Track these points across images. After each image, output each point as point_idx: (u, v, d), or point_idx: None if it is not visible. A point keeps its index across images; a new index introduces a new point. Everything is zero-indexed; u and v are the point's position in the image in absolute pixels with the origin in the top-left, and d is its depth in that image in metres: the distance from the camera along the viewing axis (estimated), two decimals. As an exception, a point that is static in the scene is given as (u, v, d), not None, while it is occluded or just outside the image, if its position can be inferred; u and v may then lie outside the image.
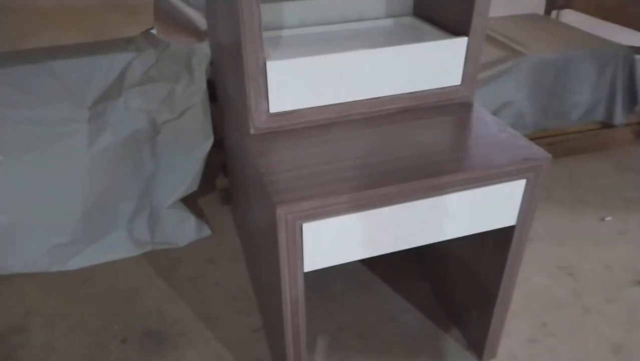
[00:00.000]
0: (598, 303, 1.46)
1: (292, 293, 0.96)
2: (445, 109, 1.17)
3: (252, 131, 1.06)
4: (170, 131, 1.59)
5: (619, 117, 2.14)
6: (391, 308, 1.45)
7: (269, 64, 1.00)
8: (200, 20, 1.67)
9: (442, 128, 1.09)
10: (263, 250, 1.13)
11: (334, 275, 1.56)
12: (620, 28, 2.27)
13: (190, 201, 1.76)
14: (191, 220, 1.71)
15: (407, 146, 1.02)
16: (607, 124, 2.17)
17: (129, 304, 1.47)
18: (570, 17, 2.56)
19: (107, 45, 1.41)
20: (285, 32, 1.27)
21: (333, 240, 0.93)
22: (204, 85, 1.55)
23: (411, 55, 1.09)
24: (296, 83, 1.04)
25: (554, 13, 2.63)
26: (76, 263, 1.59)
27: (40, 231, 1.51)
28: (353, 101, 1.11)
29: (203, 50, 1.52)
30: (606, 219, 1.80)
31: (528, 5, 2.55)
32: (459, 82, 1.17)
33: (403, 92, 1.14)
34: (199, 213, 1.79)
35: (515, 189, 1.01)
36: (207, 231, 1.74)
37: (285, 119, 1.08)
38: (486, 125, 1.10)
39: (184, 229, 1.70)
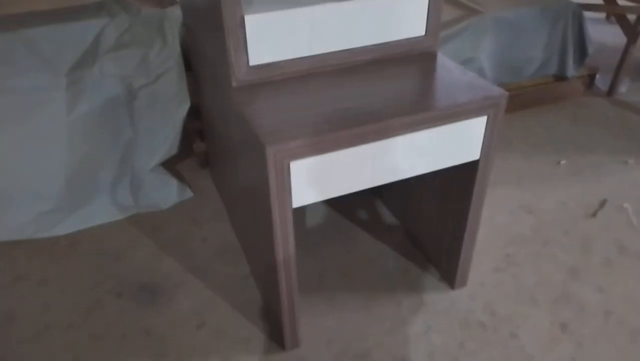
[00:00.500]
0: (556, 235, 1.61)
1: (283, 230, 1.04)
2: (412, 58, 1.26)
3: (234, 84, 1.12)
4: (147, 96, 1.62)
5: (571, 70, 2.29)
6: (370, 251, 1.56)
7: (247, 17, 1.06)
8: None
9: (410, 75, 1.18)
10: (250, 198, 1.20)
11: (314, 226, 1.66)
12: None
13: (169, 167, 1.81)
14: (173, 183, 1.76)
15: (379, 92, 1.11)
16: (559, 77, 2.31)
17: (118, 263, 1.53)
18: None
19: (80, 12, 1.43)
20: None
21: (317, 177, 1.01)
22: (177, 49, 1.58)
23: (378, 8, 1.17)
24: (273, 36, 1.10)
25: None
26: (61, 229, 1.62)
27: (25, 199, 1.54)
28: (326, 53, 1.19)
29: (174, 14, 1.56)
30: (561, 163, 1.95)
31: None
32: (423, 33, 1.26)
33: (372, 43, 1.22)
34: (179, 177, 1.84)
35: (478, 125, 1.11)
36: (189, 193, 1.80)
37: (264, 71, 1.14)
38: (449, 71, 1.20)
39: (167, 192, 1.76)
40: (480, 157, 1.17)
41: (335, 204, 1.75)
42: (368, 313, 1.36)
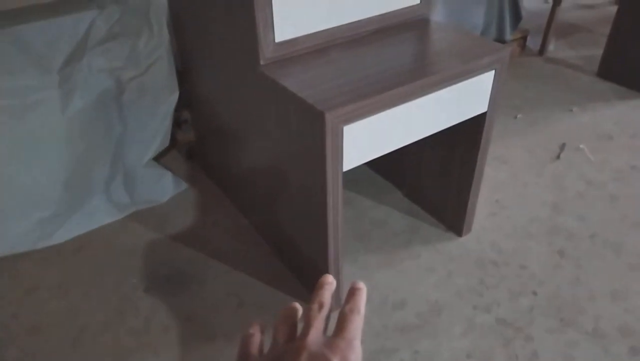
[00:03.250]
0: (531, 178, 1.80)
1: (334, 194, 1.10)
2: (411, 25, 1.36)
3: (262, 62, 1.16)
4: (135, 88, 1.59)
5: (508, 34, 2.51)
6: (377, 215, 1.66)
7: (274, -6, 1.10)
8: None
9: (418, 40, 1.28)
10: (289, 171, 1.25)
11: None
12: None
13: (156, 160, 1.78)
14: (168, 176, 1.74)
15: (396, 58, 1.19)
16: (499, 41, 2.53)
17: (135, 258, 1.50)
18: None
19: (69, 5, 1.37)
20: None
21: (363, 140, 1.09)
22: (166, 37, 1.56)
23: (382, -20, 1.25)
24: (296, 11, 1.15)
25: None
26: (61, 235, 1.56)
27: (23, 207, 1.46)
28: (337, 26, 1.25)
29: (160, 1, 1.53)
30: (518, 116, 2.17)
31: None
32: (418, 1, 1.36)
33: (375, 14, 1.30)
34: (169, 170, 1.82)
35: (487, 79, 1.24)
36: (183, 185, 1.79)
37: (287, 47, 1.19)
38: (450, 32, 1.31)
39: (163, 186, 1.74)
40: (488, 109, 1.30)
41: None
42: (392, 268, 1.46)
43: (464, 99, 1.23)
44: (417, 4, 1.36)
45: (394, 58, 1.19)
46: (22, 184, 1.43)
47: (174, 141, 1.91)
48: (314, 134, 1.04)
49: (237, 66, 1.28)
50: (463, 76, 1.17)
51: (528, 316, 1.31)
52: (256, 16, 1.09)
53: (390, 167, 1.77)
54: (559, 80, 2.44)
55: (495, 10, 2.43)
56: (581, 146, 1.96)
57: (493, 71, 1.23)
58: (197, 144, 1.87)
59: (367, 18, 1.29)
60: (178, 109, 1.84)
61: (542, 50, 2.69)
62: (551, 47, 2.73)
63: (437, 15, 2.19)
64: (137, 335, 1.28)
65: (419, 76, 1.11)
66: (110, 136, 1.59)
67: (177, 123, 1.92)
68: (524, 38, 2.69)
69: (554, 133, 2.05)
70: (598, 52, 2.48)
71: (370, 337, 1.26)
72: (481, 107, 1.29)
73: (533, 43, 2.74)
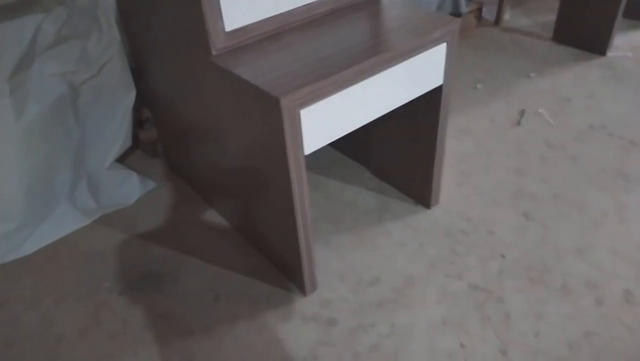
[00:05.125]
0: (494, 146, 1.84)
1: (299, 178, 1.11)
2: (363, 5, 1.36)
3: (213, 52, 1.15)
4: (90, 90, 1.56)
5: (463, 7, 2.54)
6: (346, 196, 1.67)
7: (219, -16, 1.09)
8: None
9: (371, 19, 1.29)
10: (250, 161, 1.25)
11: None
12: None
13: (120, 161, 1.76)
14: (133, 177, 1.72)
15: (350, 38, 1.20)
16: (455, 14, 2.56)
17: (106, 262, 1.49)
18: None
19: (11, 9, 1.33)
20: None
21: (321, 122, 1.09)
22: (116, 36, 1.53)
23: (329, -40, 1.25)
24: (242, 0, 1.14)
25: None
26: (30, 246, 1.53)
27: (-14, 222, 1.43)
28: (289, 11, 1.25)
29: (107, 0, 1.50)
30: (478, 86, 2.20)
31: None
32: (367, -20, 1.36)
33: (325, -4, 1.30)
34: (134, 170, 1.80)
35: (440, 52, 1.25)
36: (151, 184, 1.77)
37: (238, 36, 1.18)
38: (402, 9, 1.32)
39: (129, 187, 1.71)
40: (444, 81, 1.31)
41: (298, 162, 1.82)
42: (365, 246, 1.48)
43: (419, 73, 1.24)
44: (366, -17, 1.36)
45: (348, 38, 1.19)
46: (-18, 199, 1.40)
47: (137, 141, 1.89)
48: (271, 121, 1.04)
49: (190, 59, 1.26)
50: (416, 50, 1.19)
51: (498, 279, 1.35)
52: (203, 6, 1.08)
53: (357, 147, 1.78)
54: (516, 48, 2.49)
55: (449, -17, 2.45)
56: (540, 110, 2.01)
57: (445, 44, 1.25)
58: (161, 142, 1.85)
59: (319, 1, 1.29)
60: (138, 107, 1.82)
61: (497, 20, 2.72)
62: (507, 16, 2.77)
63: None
64: (116, 338, 1.28)
65: (373, 54, 1.12)
66: (69, 141, 1.56)
67: (138, 122, 1.89)
68: (480, 10, 2.72)
69: (513, 100, 2.09)
70: (552, 17, 2.53)
71: (347, 315, 1.29)
72: (437, 80, 1.30)
73: (489, 14, 2.78)
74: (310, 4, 1.27)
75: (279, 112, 1.00)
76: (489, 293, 1.31)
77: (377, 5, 1.35)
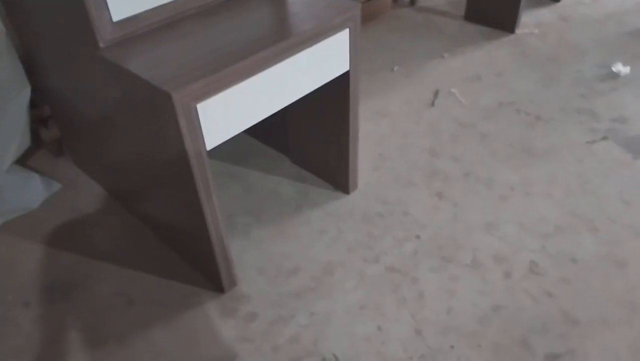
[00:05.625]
0: (410, 128, 1.87)
1: (202, 175, 1.07)
2: (264, -9, 1.32)
3: (101, 45, 1.08)
4: (-23, 89, 1.43)
5: (378, -12, 2.55)
6: (267, 186, 1.65)
7: (100, -28, 1.01)
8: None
9: (269, 7, 1.25)
10: (153, 157, 1.19)
11: (203, 178, 1.68)
12: None
13: (20, 163, 1.64)
14: (35, 178, 1.61)
15: (248, 25, 1.16)
16: (371, -4, 2.57)
17: (10, 274, 1.39)
18: None
19: None
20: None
21: (222, 115, 1.05)
22: (1, 30, 1.41)
23: (224, -55, 1.20)
24: (131, -13, 1.07)
25: None
26: None
27: None
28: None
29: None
30: (394, 69, 2.23)
31: None
32: (268, -35, 1.32)
33: (224, -17, 1.25)
34: (37, 172, 1.68)
35: (343, 38, 1.24)
36: (56, 185, 1.66)
37: (129, 25, 1.11)
38: (303, -5, 1.30)
39: (31, 190, 1.60)
40: (350, 67, 1.31)
41: (217, 153, 1.77)
42: (285, 236, 1.47)
43: (323, 60, 1.22)
44: (267, -32, 1.32)
45: (246, 27, 1.16)
46: None
47: (40, 140, 1.76)
48: (165, 117, 0.99)
49: (78, 52, 1.18)
50: (317, 37, 1.17)
51: (413, 260, 1.38)
52: (85, -3, 1.01)
53: (275, 135, 1.76)
54: (430, 28, 2.53)
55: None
56: (452, 90, 2.06)
57: (347, 30, 1.24)
58: (64, 140, 1.73)
59: (217, -14, 1.24)
60: (39, 104, 1.70)
61: (413, 1, 2.76)
62: (421, -4, 2.81)
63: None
64: (21, 355, 1.20)
65: (272, 42, 1.09)
66: (-43, 145, 1.43)
67: (41, 120, 1.77)
68: (395, -10, 2.75)
69: (427, 81, 2.13)
70: (464, -4, 2.59)
71: (267, 308, 1.27)
72: (343, 66, 1.29)
73: (404, -6, 2.81)
74: (207, -10, 1.22)
75: (172, 108, 0.95)
76: (404, 275, 1.34)
77: (279, -9, 1.32)
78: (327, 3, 1.25)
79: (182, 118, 0.97)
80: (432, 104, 1.99)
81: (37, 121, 1.76)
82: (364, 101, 2.01)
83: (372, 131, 1.87)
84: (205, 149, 1.05)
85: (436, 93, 2.05)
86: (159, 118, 1.02)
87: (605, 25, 2.48)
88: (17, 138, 1.54)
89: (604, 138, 1.77)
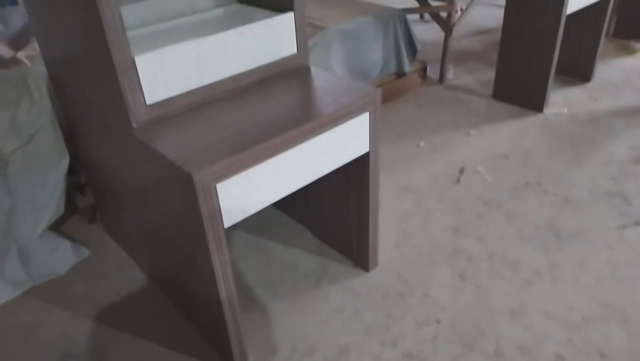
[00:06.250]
0: (434, 204, 1.87)
1: (219, 252, 1.09)
2: (290, 74, 1.39)
3: (134, 125, 1.15)
4: (20, 158, 1.53)
5: (407, 67, 2.64)
6: (287, 259, 1.65)
7: (137, 58, 1.10)
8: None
9: (295, 89, 1.32)
10: (173, 232, 1.23)
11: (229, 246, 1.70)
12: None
13: (55, 228, 1.71)
14: (66, 244, 1.67)
15: (273, 108, 1.22)
16: (399, 74, 2.65)
17: (30, 339, 1.41)
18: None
19: None
20: (131, 33, 1.35)
21: (241, 195, 1.09)
22: (48, 104, 1.52)
23: (254, 34, 1.29)
24: (164, 72, 1.15)
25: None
26: (-52, 324, 1.45)
27: None
28: (215, 82, 1.26)
29: (38, 69, 1.50)
30: (420, 145, 2.25)
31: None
32: (295, 51, 1.40)
33: (253, 67, 1.33)
34: (69, 237, 1.74)
35: (363, 121, 1.28)
36: (85, 252, 1.71)
37: (161, 108, 1.18)
38: (326, 79, 1.36)
39: (61, 256, 1.66)
40: (370, 149, 1.34)
41: (241, 225, 1.80)
42: (302, 313, 1.45)
43: (344, 142, 1.26)
44: (295, 53, 1.40)
45: (271, 110, 1.21)
46: None
47: (75, 207, 1.84)
48: (186, 195, 1.03)
49: (114, 130, 1.26)
50: (338, 120, 1.21)
51: (432, 346, 1.33)
52: (120, 81, 1.09)
53: (298, 208, 1.78)
54: (457, 105, 2.58)
55: (392, 45, 2.54)
56: (479, 168, 2.06)
57: (367, 113, 1.28)
58: (97, 207, 1.81)
59: (246, 71, 1.31)
60: (76, 172, 1.79)
61: (441, 79, 2.83)
62: (450, 74, 2.88)
63: (335, 54, 2.27)
64: None
65: (294, 125, 1.14)
66: (-2, 211, 1.51)
67: (77, 187, 1.86)
68: (424, 68, 2.83)
69: (453, 158, 2.14)
70: (493, 75, 2.64)
71: (278, 390, 1.24)
72: (363, 147, 1.33)
73: (433, 72, 2.88)
74: (236, 75, 1.29)
75: (192, 187, 0.99)
76: (422, 361, 1.29)
77: (305, 75, 1.38)
78: (349, 88, 1.30)
79: (201, 197, 1.01)
80: (458, 181, 1.99)
81: (74, 188, 1.85)
82: (388, 175, 2.03)
83: (396, 205, 1.87)
84: (223, 227, 1.08)
85: (462, 170, 2.05)
86: (180, 196, 1.06)
87: (637, 105, 2.47)
88: (53, 206, 1.62)
89: (636, 223, 1.71)
